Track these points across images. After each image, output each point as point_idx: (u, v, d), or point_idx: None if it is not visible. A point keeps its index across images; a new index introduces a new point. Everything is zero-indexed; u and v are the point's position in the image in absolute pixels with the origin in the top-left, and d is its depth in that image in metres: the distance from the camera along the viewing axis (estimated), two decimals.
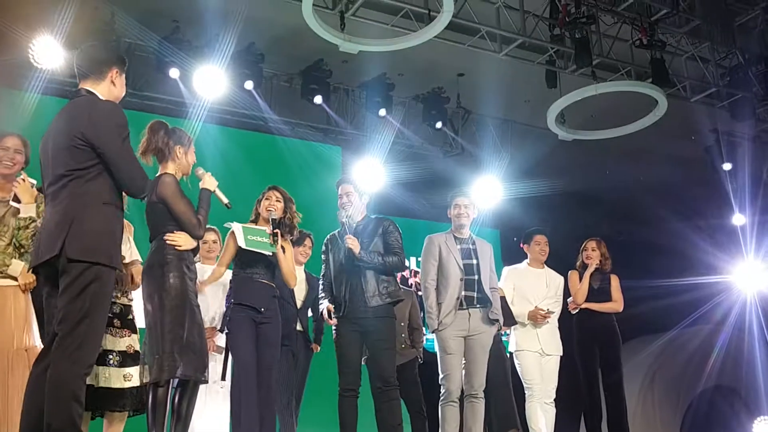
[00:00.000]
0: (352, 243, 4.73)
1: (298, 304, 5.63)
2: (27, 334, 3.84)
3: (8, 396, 3.65)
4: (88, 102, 3.17)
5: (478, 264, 5.03)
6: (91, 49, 3.38)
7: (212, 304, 5.24)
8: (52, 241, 3.04)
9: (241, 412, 4.16)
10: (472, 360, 4.90)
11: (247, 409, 4.16)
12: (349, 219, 4.87)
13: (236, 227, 4.49)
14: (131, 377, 4.07)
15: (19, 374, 3.67)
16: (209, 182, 4.08)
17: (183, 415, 3.76)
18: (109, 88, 3.27)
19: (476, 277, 4.99)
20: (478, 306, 4.95)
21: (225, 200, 4.14)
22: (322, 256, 4.97)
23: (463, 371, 4.93)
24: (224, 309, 5.22)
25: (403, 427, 4.75)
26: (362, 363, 4.85)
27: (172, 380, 3.70)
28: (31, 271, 3.36)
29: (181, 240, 3.81)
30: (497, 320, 5.01)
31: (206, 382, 3.85)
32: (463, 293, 4.93)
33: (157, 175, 3.95)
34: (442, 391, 4.86)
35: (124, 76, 3.37)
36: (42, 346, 3.82)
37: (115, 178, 3.12)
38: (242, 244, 4.40)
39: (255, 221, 4.68)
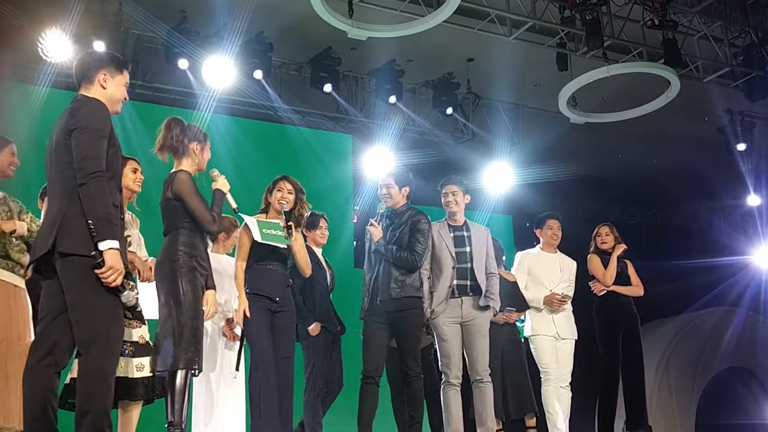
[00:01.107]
0: (374, 230, 4.81)
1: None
2: (31, 330, 3.99)
3: (17, 386, 3.71)
4: (78, 101, 3.26)
5: (471, 252, 5.03)
6: (81, 58, 3.46)
7: (220, 295, 5.26)
8: (46, 237, 3.12)
9: (261, 401, 4.21)
10: (471, 346, 4.92)
11: (267, 397, 4.21)
12: (379, 216, 4.95)
13: (250, 221, 4.51)
14: (143, 367, 4.14)
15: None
16: (222, 184, 4.14)
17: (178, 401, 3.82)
18: (100, 91, 3.33)
19: (469, 265, 5.00)
20: (471, 294, 4.97)
21: (234, 205, 4.22)
22: (366, 242, 5.02)
23: (466, 358, 4.96)
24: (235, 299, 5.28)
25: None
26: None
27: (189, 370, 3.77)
28: (31, 267, 3.39)
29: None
30: (488, 306, 4.98)
31: (196, 374, 3.92)
32: (455, 282, 4.97)
33: (172, 171, 4.01)
34: (443, 376, 4.92)
35: (120, 76, 3.39)
36: None
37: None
38: (258, 238, 4.44)
39: (266, 211, 4.69)
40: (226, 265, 5.31)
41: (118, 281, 3.09)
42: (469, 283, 4.97)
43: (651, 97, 8.94)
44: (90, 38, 7.48)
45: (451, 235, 5.07)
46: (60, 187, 3.17)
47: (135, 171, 4.25)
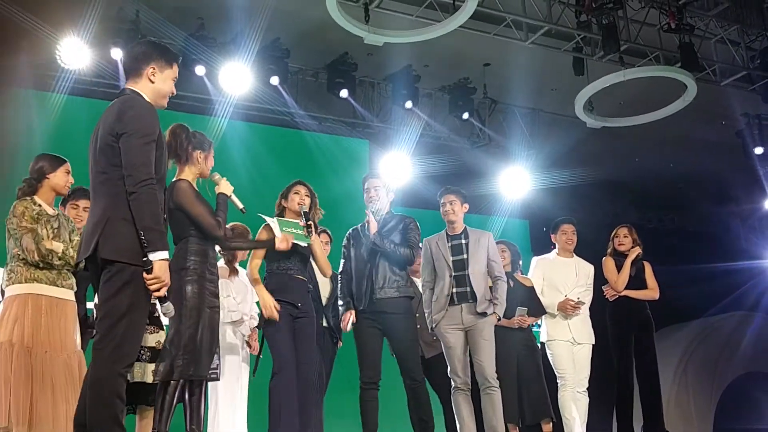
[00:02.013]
0: (371, 221, 4.86)
1: (323, 301, 5.63)
2: (77, 339, 4.07)
3: (62, 396, 3.81)
4: (123, 100, 3.19)
5: (467, 259, 5.07)
6: (132, 47, 3.44)
7: (241, 305, 5.31)
8: (89, 239, 3.08)
9: (281, 407, 4.20)
10: (476, 351, 4.94)
11: (286, 404, 4.20)
12: (376, 214, 4.91)
13: (271, 220, 4.52)
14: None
15: (76, 372, 3.91)
16: (225, 187, 4.10)
17: (195, 407, 3.83)
18: (148, 85, 3.27)
19: (466, 272, 5.04)
20: (470, 300, 5.00)
21: (240, 205, 4.15)
22: (343, 250, 5.02)
23: (474, 365, 4.98)
24: (254, 307, 5.32)
25: (434, 419, 4.78)
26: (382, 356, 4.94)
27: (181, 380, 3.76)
28: (78, 267, 3.41)
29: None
30: (484, 313, 4.99)
31: (217, 378, 3.96)
32: (454, 290, 5.02)
33: (173, 181, 3.97)
34: (452, 383, 4.98)
35: (170, 70, 3.33)
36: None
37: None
38: (279, 234, 4.44)
39: (281, 215, 4.70)
40: (245, 278, 5.36)
41: (162, 292, 3.08)
42: (467, 290, 5.02)
43: (668, 101, 8.91)
44: (107, 45, 7.55)
45: (449, 244, 5.15)
46: (105, 189, 3.11)
47: (68, 173, 4.17)
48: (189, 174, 4.00)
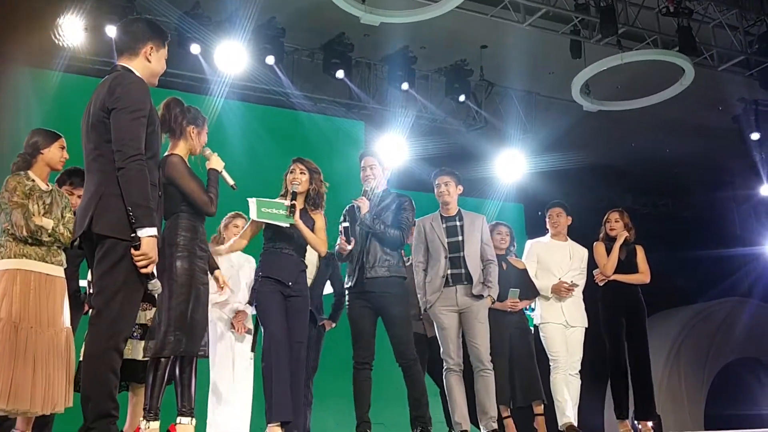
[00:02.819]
0: (362, 203, 4.83)
1: (308, 282, 5.62)
2: (65, 316, 4.04)
3: (43, 372, 3.78)
4: (115, 76, 3.17)
5: (463, 241, 5.06)
6: (126, 24, 3.37)
7: (237, 293, 5.32)
8: (83, 216, 3.08)
9: (273, 385, 4.18)
10: (471, 334, 4.94)
11: (278, 382, 4.19)
12: (371, 191, 4.90)
13: (251, 201, 4.48)
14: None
15: (63, 349, 3.89)
16: (216, 162, 4.04)
17: (186, 385, 3.79)
18: (144, 64, 3.26)
19: (461, 253, 5.03)
20: (465, 282, 4.99)
21: (231, 181, 4.10)
22: (340, 227, 4.98)
23: (468, 347, 4.98)
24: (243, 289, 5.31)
25: (428, 400, 4.77)
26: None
27: (171, 357, 3.73)
28: (73, 246, 3.39)
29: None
30: (481, 296, 4.99)
31: (206, 356, 3.90)
32: (449, 271, 5.01)
33: (165, 155, 3.91)
34: (444, 364, 4.97)
35: (163, 50, 3.34)
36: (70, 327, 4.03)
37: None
38: (254, 216, 4.40)
39: (285, 195, 4.66)
40: (235, 262, 5.35)
41: (149, 269, 3.07)
42: (462, 271, 5.00)
43: (665, 86, 8.90)
44: (103, 23, 7.50)
45: (444, 225, 5.12)
46: (97, 165, 3.10)
47: (62, 149, 4.14)
48: (182, 149, 3.95)
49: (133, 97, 3.08)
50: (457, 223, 5.13)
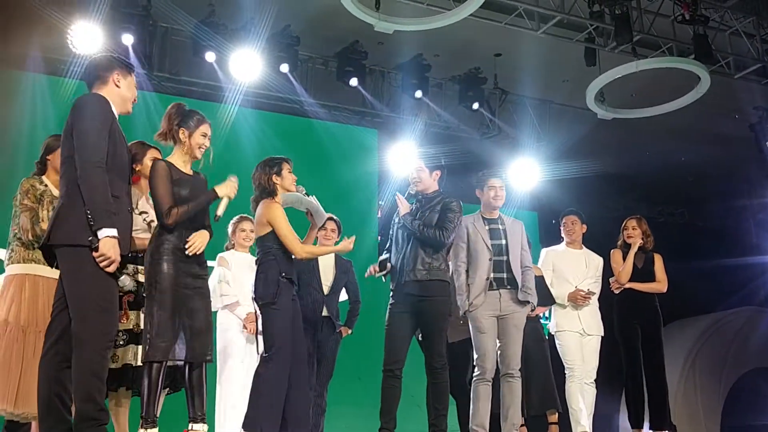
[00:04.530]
0: (401, 203, 4.81)
1: (325, 290, 5.60)
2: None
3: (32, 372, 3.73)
4: (81, 96, 3.38)
5: (507, 244, 4.99)
6: (91, 62, 3.58)
7: (239, 289, 5.32)
8: (47, 230, 3.25)
9: (272, 397, 4.05)
10: (506, 340, 4.86)
11: (276, 396, 4.03)
12: (416, 195, 4.90)
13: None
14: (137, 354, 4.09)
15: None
16: (224, 188, 3.90)
17: (195, 390, 3.73)
18: (114, 90, 3.45)
19: (505, 257, 4.95)
20: (508, 287, 4.91)
21: (219, 212, 3.93)
22: (390, 232, 4.97)
23: (499, 351, 4.90)
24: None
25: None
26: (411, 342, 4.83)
27: (166, 362, 3.66)
28: (52, 266, 3.45)
29: (197, 243, 3.73)
30: (527, 302, 4.95)
31: (210, 361, 3.81)
32: (492, 274, 4.90)
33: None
34: (477, 371, 4.82)
35: (131, 78, 3.54)
36: None
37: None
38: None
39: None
40: (241, 261, 5.37)
41: (112, 269, 3.16)
42: (505, 275, 4.91)
43: (680, 94, 8.85)
44: (118, 31, 7.55)
45: (487, 227, 5.02)
46: (62, 180, 3.25)
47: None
48: (177, 156, 3.86)
49: (96, 110, 3.28)
50: (500, 227, 5.05)
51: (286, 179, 4.37)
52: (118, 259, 3.17)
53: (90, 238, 3.10)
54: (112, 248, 3.12)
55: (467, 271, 4.95)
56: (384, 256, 4.94)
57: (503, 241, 4.99)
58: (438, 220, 4.78)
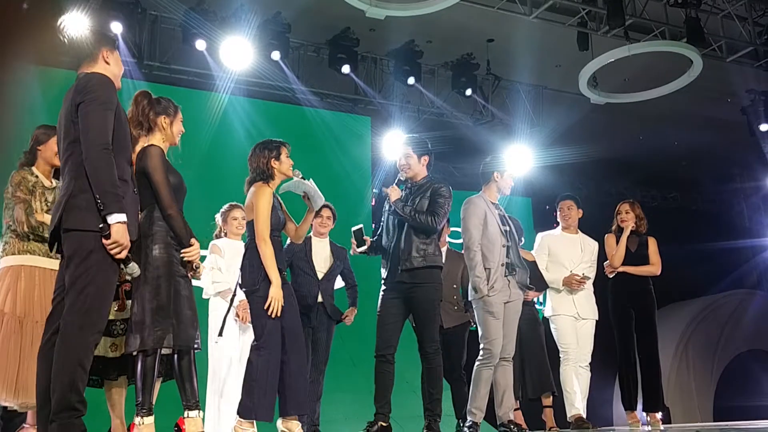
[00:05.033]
0: (391, 191, 4.78)
1: (320, 275, 5.59)
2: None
3: (30, 362, 3.73)
4: (83, 77, 3.29)
5: (511, 230, 5.00)
6: (78, 38, 3.50)
7: (227, 276, 5.30)
8: (54, 215, 3.16)
9: (266, 385, 4.01)
10: (507, 325, 4.87)
11: (269, 383, 4.04)
12: (406, 182, 4.87)
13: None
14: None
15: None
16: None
17: (186, 379, 3.70)
18: (105, 67, 3.37)
19: (511, 243, 4.96)
20: (514, 272, 4.93)
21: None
22: (381, 218, 4.96)
23: None
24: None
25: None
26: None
27: (160, 349, 3.65)
28: (52, 249, 3.40)
29: (195, 256, 3.72)
30: (531, 288, 4.97)
31: (198, 349, 3.77)
32: (506, 260, 4.90)
33: (144, 146, 3.78)
34: (484, 355, 4.76)
35: (117, 53, 3.48)
36: None
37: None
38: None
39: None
40: (234, 249, 5.32)
41: (122, 255, 3.12)
42: (513, 261, 4.94)
43: (673, 77, 8.84)
44: (107, 19, 7.49)
45: (497, 213, 4.99)
46: (69, 165, 3.17)
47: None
48: (158, 141, 3.81)
49: (100, 91, 3.20)
50: (503, 213, 5.04)
51: (284, 164, 4.35)
52: (129, 245, 3.13)
53: (101, 225, 3.05)
54: (122, 234, 3.08)
55: (483, 252, 4.86)
56: (357, 227, 4.86)
57: (508, 227, 5.00)
58: (429, 205, 4.75)
